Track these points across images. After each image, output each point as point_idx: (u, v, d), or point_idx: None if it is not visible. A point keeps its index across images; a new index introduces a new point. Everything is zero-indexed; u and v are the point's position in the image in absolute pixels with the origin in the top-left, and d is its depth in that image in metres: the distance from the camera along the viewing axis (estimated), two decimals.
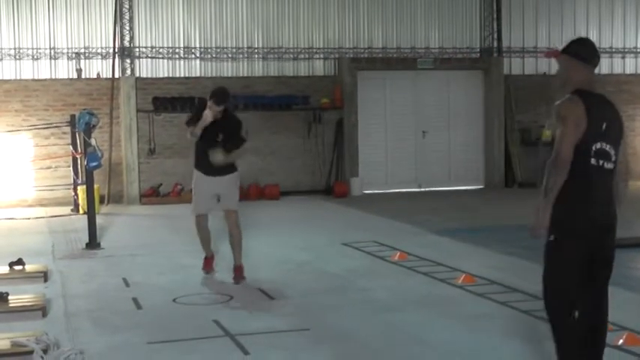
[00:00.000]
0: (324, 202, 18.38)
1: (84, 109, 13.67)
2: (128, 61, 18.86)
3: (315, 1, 19.97)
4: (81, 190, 15.87)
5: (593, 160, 5.36)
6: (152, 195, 18.45)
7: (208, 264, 10.50)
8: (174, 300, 9.07)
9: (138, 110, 18.55)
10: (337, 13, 20.15)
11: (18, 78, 18.26)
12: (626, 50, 22.16)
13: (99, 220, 13.42)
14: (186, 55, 19.26)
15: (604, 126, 5.38)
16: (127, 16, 18.76)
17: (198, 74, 19.22)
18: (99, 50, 18.72)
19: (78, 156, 16.27)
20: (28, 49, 18.33)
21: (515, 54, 21.43)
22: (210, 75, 19.25)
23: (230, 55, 19.49)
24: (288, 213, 16.73)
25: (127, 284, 9.96)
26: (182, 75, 19.14)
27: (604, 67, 21.21)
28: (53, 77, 18.45)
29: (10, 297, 8.44)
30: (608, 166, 5.43)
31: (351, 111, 19.76)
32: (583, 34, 20.27)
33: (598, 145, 5.36)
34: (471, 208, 17.02)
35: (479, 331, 7.61)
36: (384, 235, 13.20)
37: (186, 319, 8.28)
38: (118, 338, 7.57)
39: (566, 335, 5.50)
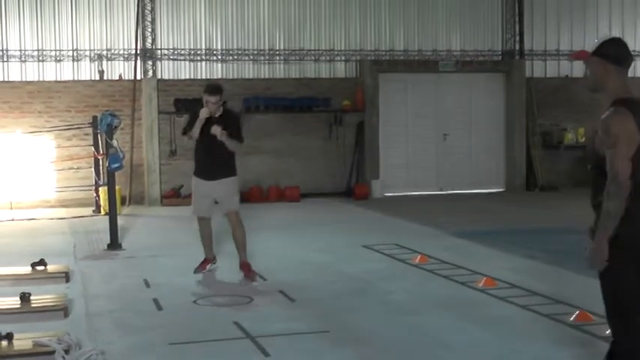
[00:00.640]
0: (344, 204, 18.36)
1: (106, 111, 13.71)
2: (150, 62, 18.93)
3: (337, 2, 19.97)
4: (102, 191, 15.92)
5: None
6: (173, 196, 18.49)
7: (204, 265, 10.51)
8: (194, 301, 9.08)
9: (159, 112, 18.59)
10: (359, 15, 20.14)
11: (41, 79, 18.36)
12: None
13: (120, 221, 13.46)
14: (207, 57, 19.30)
15: None
16: (149, 18, 18.82)
17: (219, 76, 19.23)
18: (121, 52, 18.79)
19: (100, 157, 16.32)
20: (50, 50, 18.42)
21: (538, 56, 21.34)
22: (231, 77, 19.28)
23: (251, 57, 19.52)
24: (309, 215, 16.72)
25: (147, 285, 9.98)
26: (204, 77, 19.15)
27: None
28: (75, 79, 18.53)
29: (32, 297, 8.47)
30: None
31: (373, 113, 19.73)
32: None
33: None
34: (491, 211, 16.96)
35: (500, 335, 7.58)
36: (405, 237, 13.17)
37: (206, 320, 8.30)
38: (139, 339, 7.59)
39: None
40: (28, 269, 10.23)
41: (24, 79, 18.30)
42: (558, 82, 21.26)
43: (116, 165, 12.58)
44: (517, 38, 20.99)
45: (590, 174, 5.03)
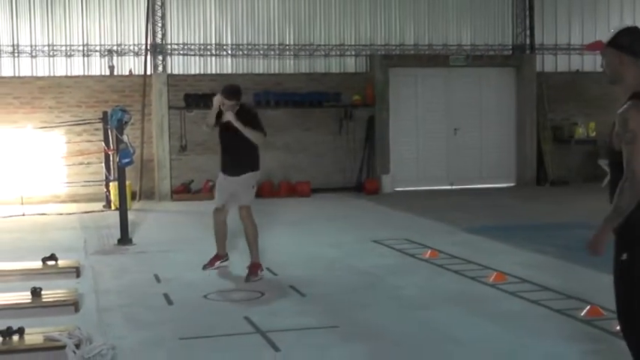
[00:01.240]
0: (354, 199, 18.35)
1: (116, 106, 13.73)
2: (160, 57, 18.94)
3: None
4: (113, 186, 15.94)
5: None
6: (183, 191, 18.52)
7: (213, 262, 10.47)
8: (205, 296, 9.09)
9: (169, 107, 18.62)
10: (369, 10, 20.11)
11: (51, 75, 18.40)
12: None
13: (130, 216, 13.47)
14: (217, 52, 19.30)
15: None
16: (159, 13, 18.83)
17: (229, 71, 19.25)
18: (131, 47, 18.81)
19: (110, 152, 16.35)
20: (61, 46, 18.46)
21: (548, 51, 21.28)
22: (241, 72, 19.29)
23: (261, 52, 19.51)
24: (319, 210, 16.71)
25: (158, 280, 10.00)
26: (214, 72, 19.17)
27: None
28: (86, 74, 18.57)
29: (43, 292, 8.49)
30: None
31: (383, 108, 19.71)
32: None
33: None
34: (502, 206, 16.93)
35: (510, 330, 7.56)
36: (415, 232, 13.16)
37: (217, 315, 8.30)
38: (150, 334, 7.60)
39: None
40: (39, 264, 10.26)
41: (34, 75, 18.35)
42: (569, 76, 21.20)
43: (126, 160, 12.59)
44: (528, 32, 20.94)
45: (609, 171, 4.90)
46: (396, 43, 20.29)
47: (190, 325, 7.87)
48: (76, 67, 18.58)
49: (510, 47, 21.05)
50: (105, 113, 16.41)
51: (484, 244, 12.28)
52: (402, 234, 12.99)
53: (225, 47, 19.32)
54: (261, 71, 19.44)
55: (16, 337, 6.85)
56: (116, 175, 13.77)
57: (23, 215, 15.95)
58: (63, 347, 6.69)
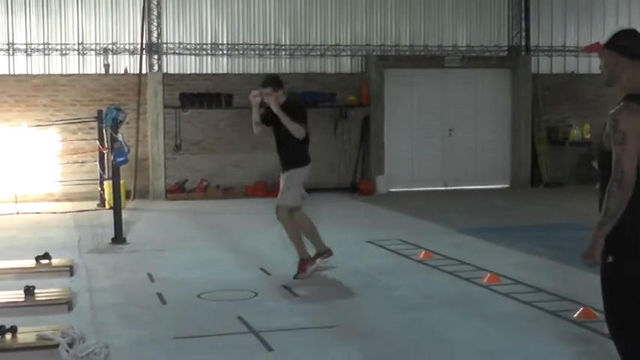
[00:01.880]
0: (349, 199, 18.35)
1: (111, 105, 13.69)
2: (155, 56, 18.93)
3: None
4: (107, 185, 15.94)
5: None
6: (178, 191, 18.52)
7: (305, 267, 10.06)
8: (198, 296, 9.09)
9: (165, 106, 18.60)
10: (365, 10, 20.11)
11: (46, 73, 18.37)
12: None
13: (125, 215, 13.47)
14: (213, 52, 19.29)
15: None
16: (154, 12, 18.82)
17: (225, 71, 19.25)
18: (127, 46, 18.79)
19: (105, 151, 16.34)
20: (56, 44, 18.43)
21: (543, 52, 21.31)
22: (237, 71, 19.28)
23: (257, 52, 19.51)
24: (313, 210, 16.62)
25: (152, 279, 10.00)
26: (209, 71, 19.17)
27: None
28: (81, 72, 18.54)
29: (36, 290, 8.49)
30: None
31: (378, 108, 19.72)
32: None
33: None
34: (496, 207, 16.94)
35: (504, 331, 7.57)
36: (410, 233, 13.17)
37: (210, 314, 8.30)
38: (143, 333, 7.60)
39: None
40: (32, 263, 10.25)
41: (30, 73, 18.31)
42: (564, 78, 21.23)
43: (121, 159, 12.58)
44: (523, 34, 20.96)
45: (599, 172, 4.89)
46: (392, 43, 20.30)
47: (184, 325, 7.87)
48: (71, 65, 18.55)
49: (506, 48, 21.08)
50: (100, 112, 16.40)
51: (478, 245, 12.29)
52: (396, 235, 13.00)
53: (220, 47, 19.31)
54: (256, 71, 19.41)
55: (9, 336, 6.85)
56: (110, 174, 13.78)
57: (17, 213, 15.94)
58: (56, 346, 6.69)
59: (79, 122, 17.91)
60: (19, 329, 6.95)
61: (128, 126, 17.11)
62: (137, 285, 9.71)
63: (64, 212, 16.21)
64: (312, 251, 10.24)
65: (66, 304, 8.38)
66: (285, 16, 19.67)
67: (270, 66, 19.56)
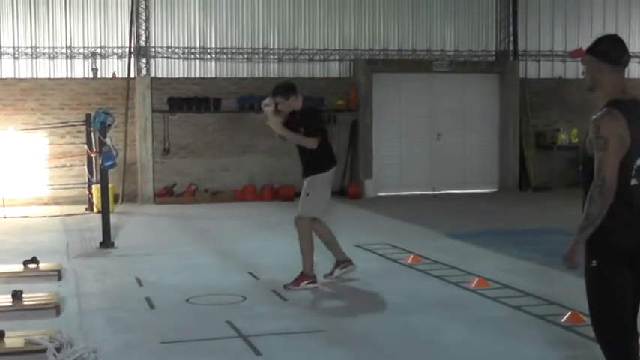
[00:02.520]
0: (337, 203, 18.27)
1: (99, 109, 13.68)
2: (144, 60, 18.91)
3: (331, 2, 19.97)
4: (95, 189, 15.89)
5: (633, 181, 4.73)
6: (166, 195, 18.49)
7: (332, 271, 10.11)
8: (187, 300, 9.08)
9: (153, 110, 18.58)
10: (353, 15, 20.14)
11: (34, 77, 18.33)
12: None
13: (113, 219, 13.45)
14: (201, 56, 19.28)
15: None
16: (143, 16, 18.80)
17: (213, 75, 19.24)
18: (115, 50, 18.76)
19: (93, 155, 16.30)
20: (44, 48, 18.39)
21: (531, 57, 21.37)
22: (225, 75, 19.28)
23: (245, 56, 19.51)
24: None
25: (140, 283, 9.98)
26: (197, 75, 19.17)
27: None
28: (69, 76, 18.50)
29: (24, 295, 8.46)
30: None
31: (366, 113, 19.74)
32: None
33: (639, 163, 4.73)
34: (484, 212, 16.98)
35: (492, 335, 7.59)
36: (398, 237, 13.18)
37: (199, 319, 8.29)
38: (131, 337, 7.59)
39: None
40: (20, 267, 10.22)
41: (17, 77, 18.27)
42: (552, 82, 21.31)
43: (109, 163, 12.56)
44: (511, 39, 21.02)
45: (581, 177, 4.94)
46: (380, 48, 20.33)
47: (172, 329, 7.86)
48: (59, 69, 18.51)
49: (494, 53, 21.14)
50: (88, 116, 16.36)
51: (466, 249, 12.31)
52: (384, 239, 13.02)
53: (209, 51, 19.30)
54: (245, 75, 19.42)
55: None
56: (99, 178, 13.72)
57: (5, 218, 15.89)
58: (44, 350, 6.68)
59: (68, 126, 17.88)
60: (7, 334, 6.93)
61: (116, 130, 17.08)
62: (125, 289, 9.70)
63: (52, 216, 16.17)
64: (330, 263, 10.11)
65: (54, 308, 8.36)
66: (273, 21, 19.68)
67: (258, 70, 19.57)
